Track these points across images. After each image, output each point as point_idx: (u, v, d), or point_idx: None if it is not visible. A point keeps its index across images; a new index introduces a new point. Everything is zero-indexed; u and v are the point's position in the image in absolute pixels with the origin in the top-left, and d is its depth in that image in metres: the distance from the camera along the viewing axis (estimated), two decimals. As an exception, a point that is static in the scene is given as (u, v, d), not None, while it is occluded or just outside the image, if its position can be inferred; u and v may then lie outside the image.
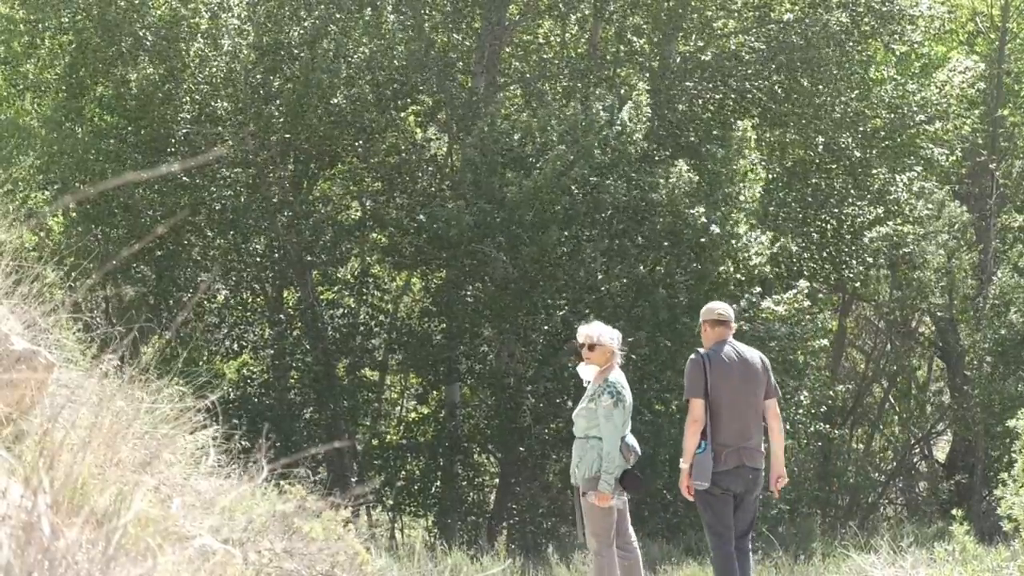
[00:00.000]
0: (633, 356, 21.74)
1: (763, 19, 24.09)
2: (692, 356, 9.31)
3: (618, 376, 9.60)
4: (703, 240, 21.05)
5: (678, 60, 23.86)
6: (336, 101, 21.84)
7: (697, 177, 21.29)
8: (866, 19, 23.71)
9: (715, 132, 23.18)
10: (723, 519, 9.19)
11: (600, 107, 21.47)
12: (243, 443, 7.07)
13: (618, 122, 21.31)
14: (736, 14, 24.35)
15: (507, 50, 24.66)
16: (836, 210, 24.71)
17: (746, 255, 21.18)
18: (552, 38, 25.34)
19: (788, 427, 20.11)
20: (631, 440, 9.49)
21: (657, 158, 22.69)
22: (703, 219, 20.92)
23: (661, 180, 21.30)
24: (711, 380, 9.15)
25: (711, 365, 9.17)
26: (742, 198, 21.45)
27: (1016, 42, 28.37)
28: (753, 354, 9.41)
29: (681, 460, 9.24)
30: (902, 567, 12.69)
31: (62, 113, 21.89)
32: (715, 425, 9.12)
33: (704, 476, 9.06)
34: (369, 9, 22.48)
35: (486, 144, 21.65)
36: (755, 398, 9.25)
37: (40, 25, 22.17)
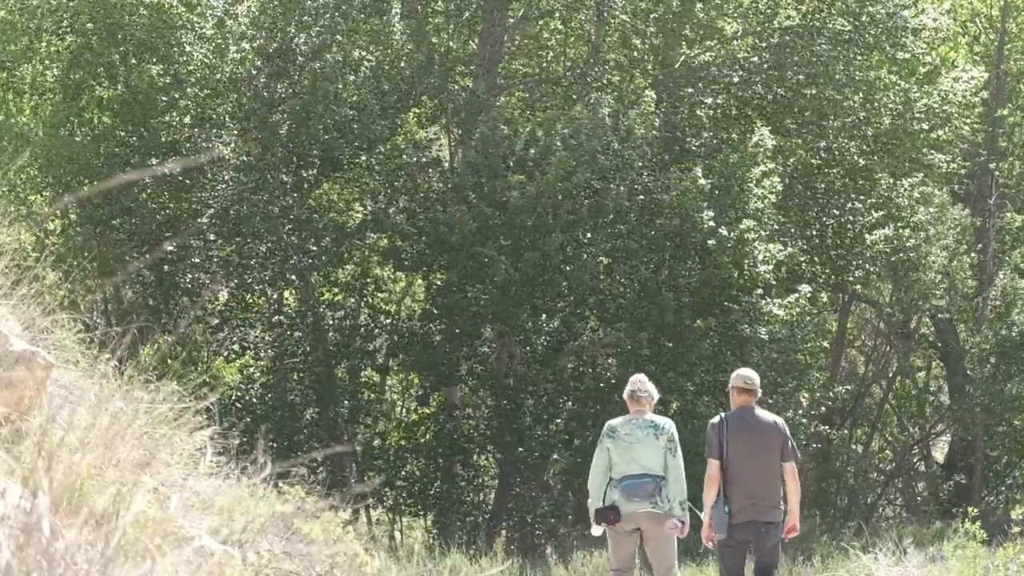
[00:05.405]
0: (635, 358, 21.74)
1: (767, 25, 23.93)
2: (713, 419, 10.12)
3: (612, 420, 10.25)
4: (710, 244, 20.98)
5: (679, 65, 23.76)
6: (341, 111, 21.78)
7: (707, 183, 21.23)
8: (870, 30, 23.58)
9: (716, 139, 23.10)
10: (733, 567, 10.06)
11: (606, 112, 21.39)
12: (243, 444, 7.06)
13: (623, 128, 21.25)
14: (740, 19, 24.24)
15: (507, 48, 24.59)
16: (837, 212, 24.66)
17: (752, 262, 21.11)
18: (553, 41, 25.28)
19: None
20: (623, 485, 9.94)
21: (664, 159, 22.61)
22: (711, 223, 20.85)
23: (672, 182, 21.24)
24: (727, 444, 9.90)
25: (728, 429, 9.93)
26: (758, 205, 21.38)
27: (1016, 43, 28.34)
28: (770, 421, 10.10)
29: (701, 512, 10.10)
30: (904, 567, 12.69)
31: (61, 115, 21.84)
32: (729, 484, 9.90)
33: (721, 528, 9.87)
34: (376, 19, 22.38)
35: (486, 148, 21.60)
36: (770, 461, 9.98)
37: (39, 27, 22.10)
